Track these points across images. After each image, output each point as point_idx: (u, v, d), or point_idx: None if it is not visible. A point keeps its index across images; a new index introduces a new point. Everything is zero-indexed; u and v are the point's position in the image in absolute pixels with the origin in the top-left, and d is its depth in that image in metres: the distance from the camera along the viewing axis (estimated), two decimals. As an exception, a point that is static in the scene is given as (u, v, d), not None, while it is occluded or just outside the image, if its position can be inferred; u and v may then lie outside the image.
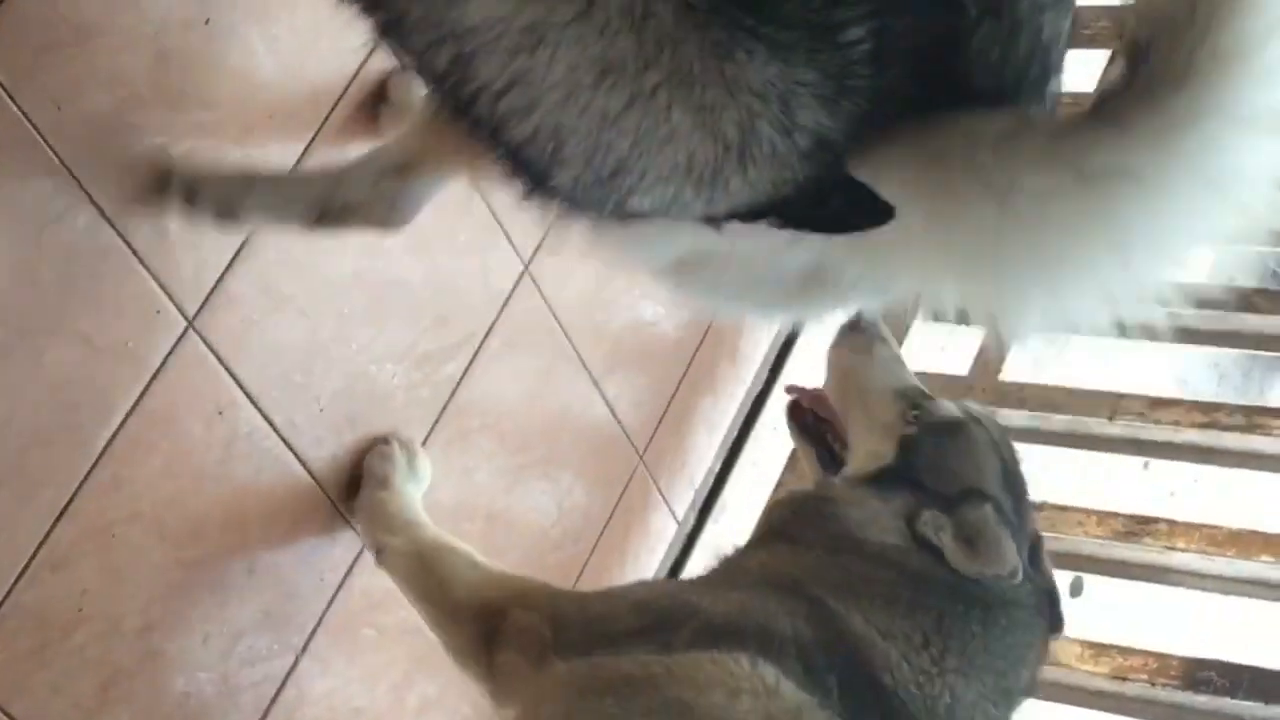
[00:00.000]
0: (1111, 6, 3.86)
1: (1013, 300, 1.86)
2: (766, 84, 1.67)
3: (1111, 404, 3.43)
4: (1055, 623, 2.49)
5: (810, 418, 2.77)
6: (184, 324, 2.53)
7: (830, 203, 1.80)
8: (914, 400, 2.63)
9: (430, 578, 2.66)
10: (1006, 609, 2.39)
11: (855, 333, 2.76)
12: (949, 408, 2.62)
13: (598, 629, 2.41)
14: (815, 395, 2.78)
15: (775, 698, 2.16)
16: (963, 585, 2.37)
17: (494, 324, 3.09)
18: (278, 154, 2.63)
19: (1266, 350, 3.42)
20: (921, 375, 2.87)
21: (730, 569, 2.51)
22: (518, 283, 3.12)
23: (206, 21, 2.50)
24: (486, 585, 2.60)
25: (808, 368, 3.81)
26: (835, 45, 1.68)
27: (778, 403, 3.75)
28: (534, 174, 1.81)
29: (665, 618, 2.34)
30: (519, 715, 2.43)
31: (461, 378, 3.04)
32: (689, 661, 2.23)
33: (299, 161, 2.65)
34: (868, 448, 2.62)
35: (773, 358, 3.84)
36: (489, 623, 2.52)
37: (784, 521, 2.55)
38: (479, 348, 3.07)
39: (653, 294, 3.43)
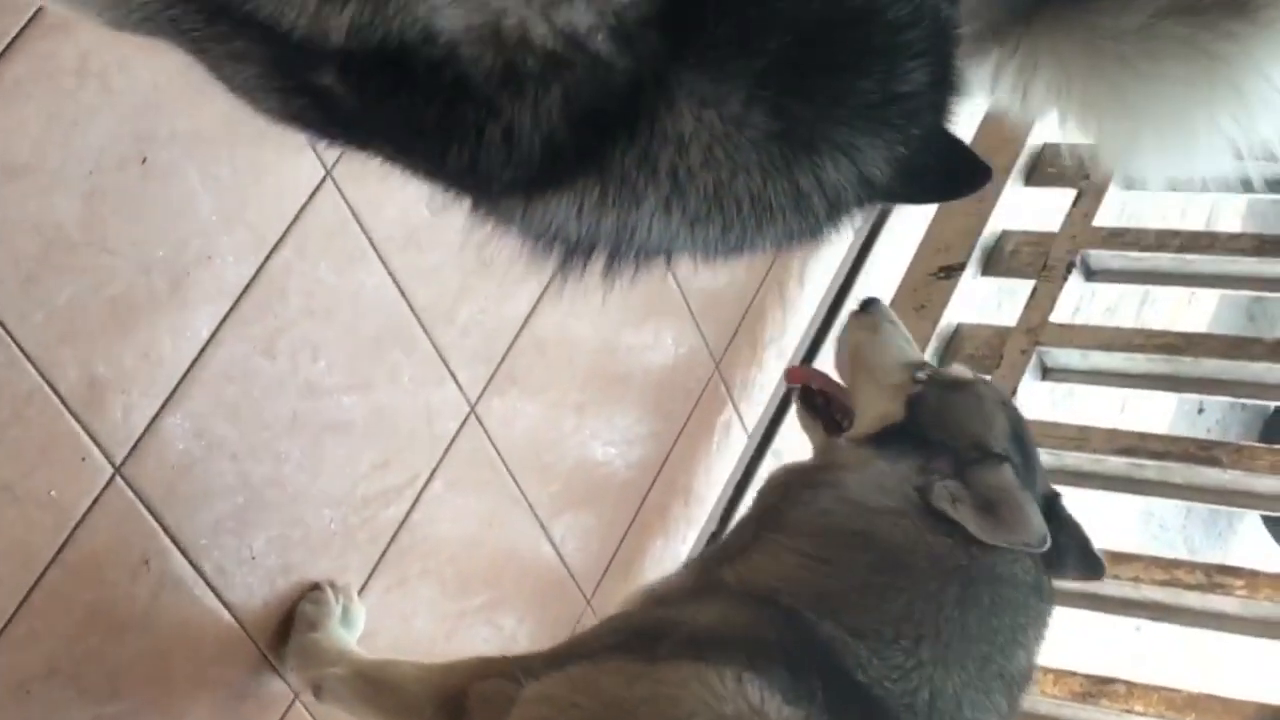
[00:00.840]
0: None
1: (1138, 145, 2.09)
2: None
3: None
4: (1092, 567, 2.46)
5: (820, 399, 2.71)
6: (110, 470, 2.45)
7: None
8: (922, 366, 2.65)
9: (379, 691, 2.58)
10: (992, 586, 2.29)
11: (864, 314, 2.78)
12: (958, 369, 2.64)
13: (572, 651, 2.34)
14: (821, 375, 2.76)
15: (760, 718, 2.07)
16: (944, 560, 2.28)
17: (437, 466, 3.00)
18: (216, 292, 2.56)
19: (1229, 505, 3.36)
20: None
21: (708, 579, 2.41)
22: (463, 424, 3.04)
23: (143, 160, 2.43)
24: (440, 674, 2.53)
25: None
26: None
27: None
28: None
29: (645, 632, 2.26)
30: None
31: (402, 522, 2.95)
32: (673, 670, 2.13)
33: (239, 299, 2.58)
34: (875, 410, 2.57)
35: (727, 498, 3.75)
36: (451, 706, 2.43)
37: (772, 499, 2.48)
38: (421, 491, 2.98)
39: (603, 433, 3.36)
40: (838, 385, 2.72)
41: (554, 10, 1.38)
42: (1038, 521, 2.29)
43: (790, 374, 2.80)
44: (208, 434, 2.59)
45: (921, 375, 2.58)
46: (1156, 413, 5.41)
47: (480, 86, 1.42)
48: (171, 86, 2.44)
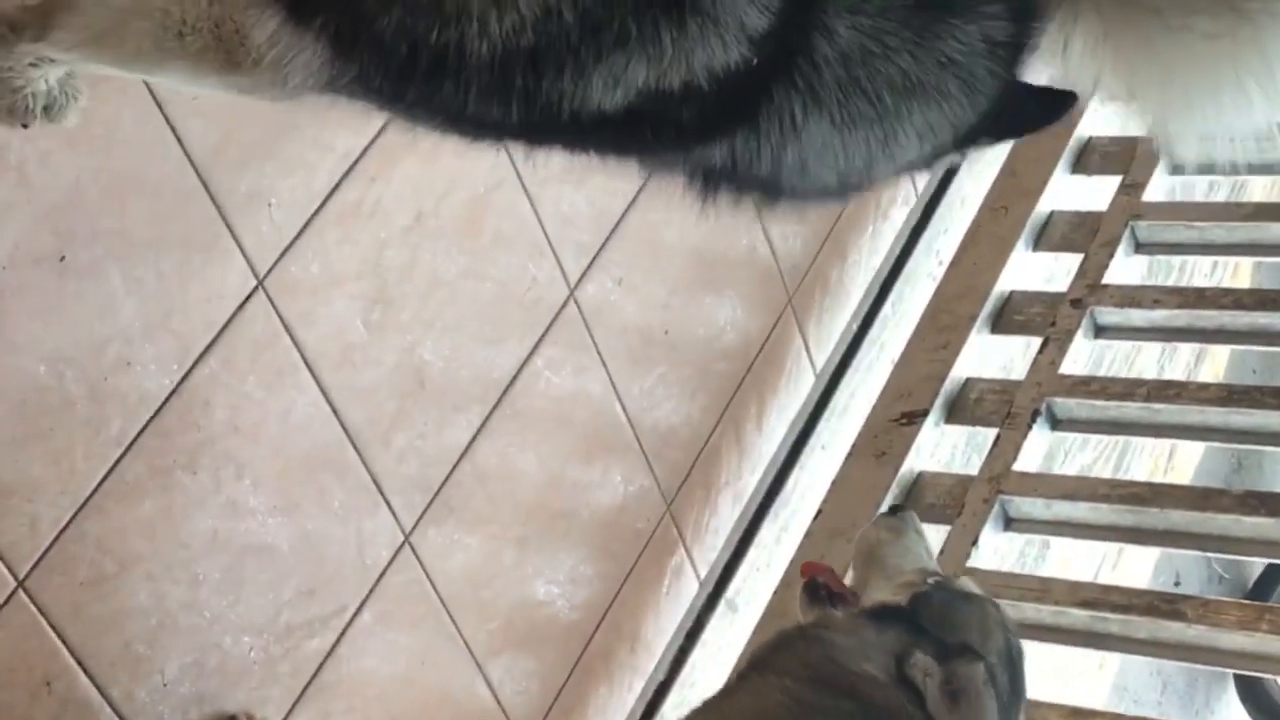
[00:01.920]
0: None
1: (1177, 118, 2.04)
2: None
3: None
4: None
5: (824, 592, 2.72)
6: (13, 584, 2.32)
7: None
8: (936, 575, 2.67)
9: None
10: None
11: (892, 517, 2.86)
12: (970, 584, 2.68)
13: None
14: (832, 574, 2.76)
15: None
16: None
17: (367, 597, 2.87)
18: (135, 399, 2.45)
19: (1194, 662, 3.24)
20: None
21: None
22: (396, 554, 2.91)
23: (61, 258, 2.33)
24: None
25: (716, 665, 3.61)
26: None
27: (680, 695, 3.53)
28: None
29: None
30: None
31: (328, 655, 2.81)
32: None
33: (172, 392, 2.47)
34: (879, 598, 2.61)
35: (676, 646, 3.61)
36: None
37: (764, 651, 2.50)
38: (349, 623, 2.85)
39: (546, 571, 3.23)
40: (845, 586, 2.75)
41: None
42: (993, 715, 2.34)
43: (804, 568, 2.79)
44: (120, 550, 2.46)
45: (933, 581, 2.62)
46: (1147, 571, 5.31)
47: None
48: (95, 184, 2.35)
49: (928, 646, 2.40)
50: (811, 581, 2.73)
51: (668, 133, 1.75)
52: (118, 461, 2.44)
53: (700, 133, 1.76)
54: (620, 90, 1.66)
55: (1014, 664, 2.51)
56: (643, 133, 1.75)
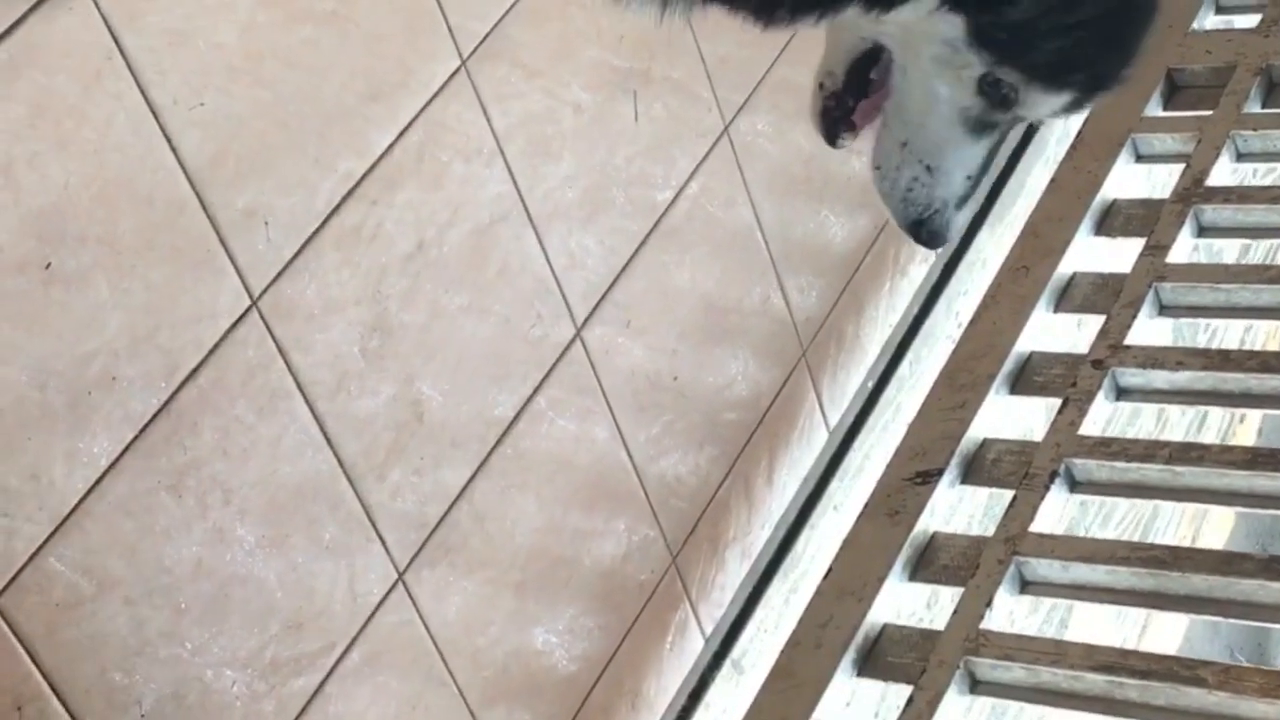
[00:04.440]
0: None
1: None
2: None
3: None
4: None
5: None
6: (-17, 602, 2.23)
7: None
8: None
9: None
10: None
11: None
12: None
13: None
14: None
15: None
16: None
17: (357, 636, 2.77)
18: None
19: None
20: None
21: None
22: (389, 592, 2.82)
23: (47, 265, 2.25)
24: None
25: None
26: None
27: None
28: None
29: None
30: None
31: (314, 694, 2.71)
32: None
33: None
34: None
35: (679, 707, 3.50)
36: None
37: None
38: (337, 662, 2.75)
39: (544, 619, 3.12)
40: None
41: None
42: None
43: None
44: (99, 572, 2.37)
45: None
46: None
47: None
48: (85, 190, 2.28)
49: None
50: None
51: None
52: (99, 480, 2.36)
53: None
54: None
55: None
56: None
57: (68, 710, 2.34)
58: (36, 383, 2.26)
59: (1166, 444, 3.57)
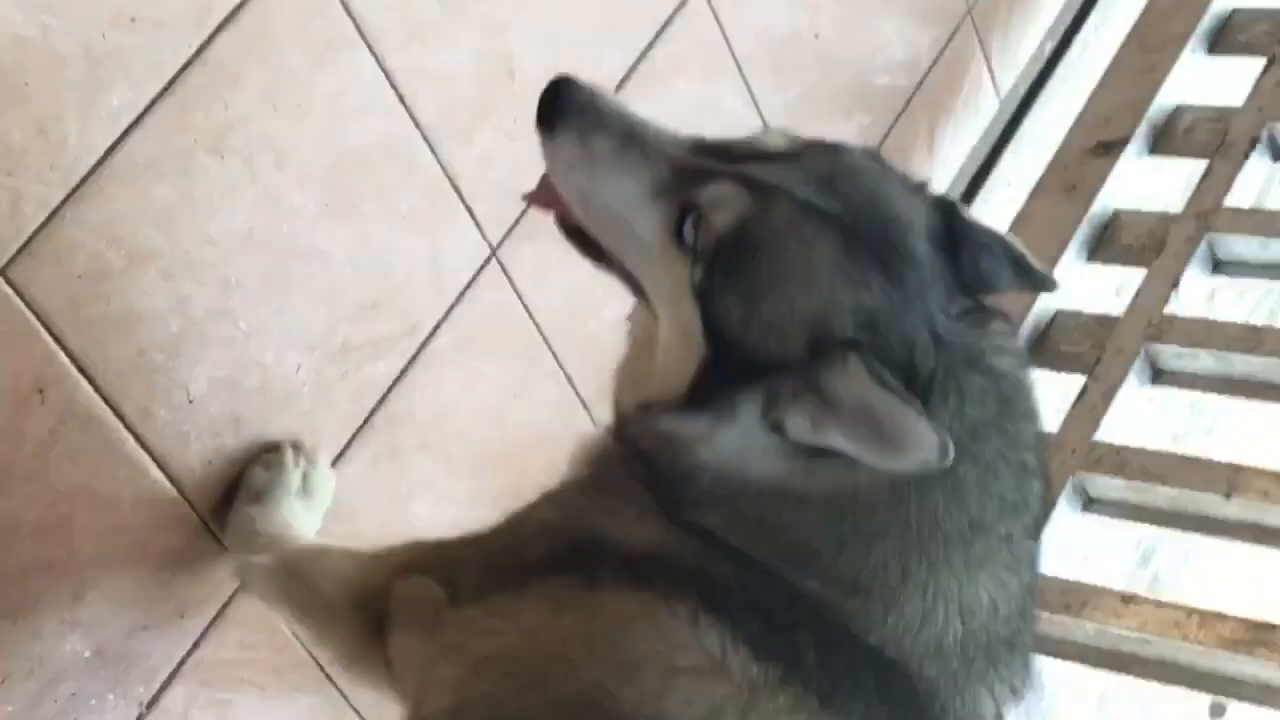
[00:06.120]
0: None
1: None
2: None
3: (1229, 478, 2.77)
4: (1033, 280, 1.71)
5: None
6: (-6, 270, 1.98)
7: None
8: (679, 185, 1.66)
9: (300, 588, 2.10)
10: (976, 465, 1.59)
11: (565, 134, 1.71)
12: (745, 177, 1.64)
13: (500, 563, 1.74)
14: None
15: (721, 677, 1.52)
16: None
17: (445, 317, 2.49)
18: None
19: None
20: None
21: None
22: (481, 269, 2.53)
23: None
24: (360, 570, 2.01)
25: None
26: None
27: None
28: None
29: (580, 546, 1.67)
30: (412, 695, 1.81)
31: (396, 380, 2.45)
32: (615, 601, 1.59)
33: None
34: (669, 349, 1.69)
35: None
36: (372, 611, 1.94)
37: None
38: (423, 345, 2.47)
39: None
40: None
41: None
42: (921, 431, 1.47)
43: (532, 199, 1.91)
44: (129, 242, 2.10)
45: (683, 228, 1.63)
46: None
47: None
48: None
49: (786, 382, 1.55)
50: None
51: None
52: (123, 136, 2.07)
53: None
54: None
55: (873, 237, 1.60)
56: None
57: (100, 393, 2.10)
58: (37, 22, 1.97)
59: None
